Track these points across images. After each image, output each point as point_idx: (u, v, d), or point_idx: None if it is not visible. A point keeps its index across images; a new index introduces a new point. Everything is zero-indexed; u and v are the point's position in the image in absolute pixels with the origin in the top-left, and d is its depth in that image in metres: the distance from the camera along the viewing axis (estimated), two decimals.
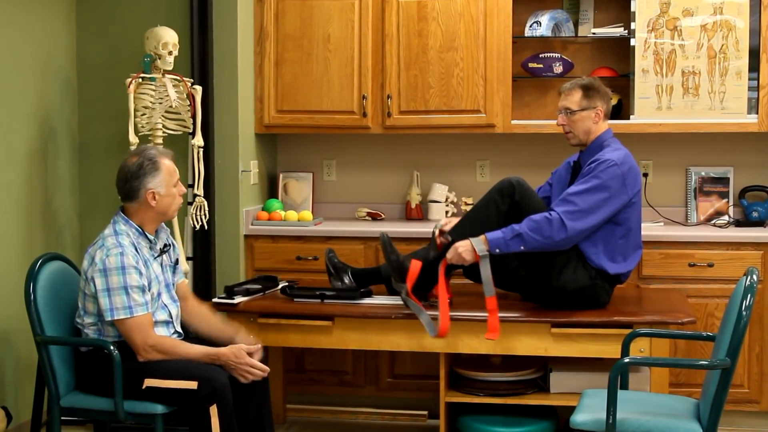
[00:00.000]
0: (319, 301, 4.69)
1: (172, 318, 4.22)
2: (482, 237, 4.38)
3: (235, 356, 4.06)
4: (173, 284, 4.30)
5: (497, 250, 4.35)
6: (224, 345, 4.15)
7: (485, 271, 4.34)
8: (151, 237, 4.17)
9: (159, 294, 4.16)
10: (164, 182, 4.11)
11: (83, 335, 4.14)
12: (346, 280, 4.78)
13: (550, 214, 4.35)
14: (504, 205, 4.45)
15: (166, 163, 4.13)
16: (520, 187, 4.48)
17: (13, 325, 4.84)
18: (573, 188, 4.42)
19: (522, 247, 4.34)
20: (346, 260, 5.36)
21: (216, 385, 3.93)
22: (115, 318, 3.98)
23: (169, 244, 4.31)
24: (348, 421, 5.48)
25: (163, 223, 4.26)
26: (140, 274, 4.03)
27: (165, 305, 4.19)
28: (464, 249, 4.38)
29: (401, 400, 5.49)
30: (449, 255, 4.40)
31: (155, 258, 4.18)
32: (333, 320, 4.62)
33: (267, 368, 4.13)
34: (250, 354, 4.11)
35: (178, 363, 4.02)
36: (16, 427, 4.87)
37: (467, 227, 4.46)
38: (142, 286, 4.02)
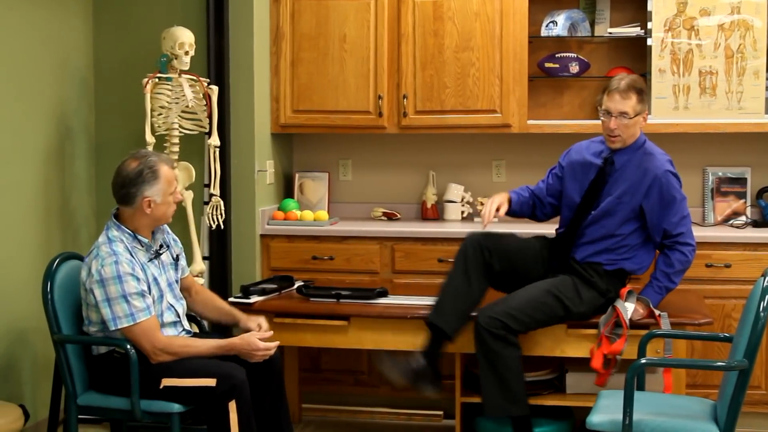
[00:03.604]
0: (334, 300, 4.69)
1: (179, 317, 4.24)
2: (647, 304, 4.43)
3: (248, 344, 4.09)
4: (177, 281, 4.29)
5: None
6: (232, 327, 4.33)
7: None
8: (146, 241, 4.14)
9: (161, 296, 4.15)
10: (162, 191, 4.08)
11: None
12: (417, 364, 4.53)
13: (683, 253, 4.48)
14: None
15: (166, 172, 4.10)
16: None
17: (30, 323, 4.86)
18: (671, 218, 4.47)
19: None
20: (361, 260, 5.39)
21: (235, 381, 3.94)
22: (119, 327, 3.98)
23: (166, 244, 4.27)
24: (363, 421, 5.48)
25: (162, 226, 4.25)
26: (137, 279, 4.00)
27: (171, 305, 4.20)
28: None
29: (417, 400, 5.47)
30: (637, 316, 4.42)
31: (151, 260, 4.16)
32: (348, 320, 4.64)
33: (275, 344, 4.15)
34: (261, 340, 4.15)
35: (195, 361, 4.03)
36: (34, 426, 4.89)
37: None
38: (141, 292, 4.00)
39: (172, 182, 4.13)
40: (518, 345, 4.31)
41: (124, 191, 4.06)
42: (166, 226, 4.29)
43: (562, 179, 4.69)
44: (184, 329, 4.25)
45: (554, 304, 4.38)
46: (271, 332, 4.21)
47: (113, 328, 3.98)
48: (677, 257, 4.49)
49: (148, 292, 4.06)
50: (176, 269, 4.31)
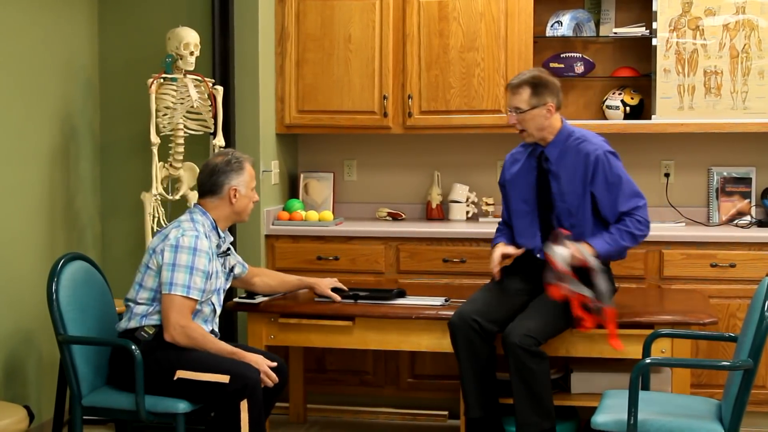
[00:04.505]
0: (352, 301, 4.68)
1: (214, 316, 4.30)
2: (588, 249, 4.34)
3: (257, 364, 4.10)
4: (224, 290, 4.38)
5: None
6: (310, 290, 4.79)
7: (602, 282, 4.28)
8: (222, 234, 4.28)
9: (214, 290, 4.24)
10: (246, 183, 4.26)
11: (127, 312, 4.20)
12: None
13: (638, 220, 4.41)
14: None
15: (249, 167, 4.29)
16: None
17: (35, 324, 4.87)
18: (622, 197, 4.41)
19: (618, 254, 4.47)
20: (366, 260, 5.40)
21: (248, 381, 3.98)
22: (171, 292, 4.05)
23: (230, 251, 4.42)
24: (368, 421, 5.48)
25: (227, 230, 4.36)
26: (209, 260, 4.14)
27: (212, 302, 4.27)
28: (584, 256, 4.32)
29: (421, 400, 5.48)
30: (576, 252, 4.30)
31: (218, 256, 4.27)
32: (353, 320, 4.63)
33: (276, 378, 4.16)
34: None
35: (210, 357, 4.06)
36: (38, 427, 4.90)
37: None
38: (207, 272, 4.12)
39: (253, 179, 4.34)
40: (547, 357, 4.28)
41: (213, 179, 4.24)
42: (231, 237, 4.44)
43: (508, 197, 4.67)
44: (213, 330, 4.31)
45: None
46: (276, 363, 4.22)
47: (166, 292, 4.07)
48: (631, 220, 4.40)
49: (211, 277, 4.17)
50: (227, 279, 4.42)
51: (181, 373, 4.03)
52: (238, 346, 4.25)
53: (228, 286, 4.46)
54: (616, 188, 4.42)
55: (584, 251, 4.29)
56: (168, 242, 4.12)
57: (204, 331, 4.15)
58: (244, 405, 3.97)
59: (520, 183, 4.60)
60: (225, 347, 4.13)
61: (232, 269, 4.48)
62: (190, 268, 4.08)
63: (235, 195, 4.23)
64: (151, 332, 4.11)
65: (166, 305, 4.08)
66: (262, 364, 4.11)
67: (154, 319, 4.14)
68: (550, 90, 4.47)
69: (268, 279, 4.74)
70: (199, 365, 4.03)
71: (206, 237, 4.17)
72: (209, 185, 4.25)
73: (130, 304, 4.21)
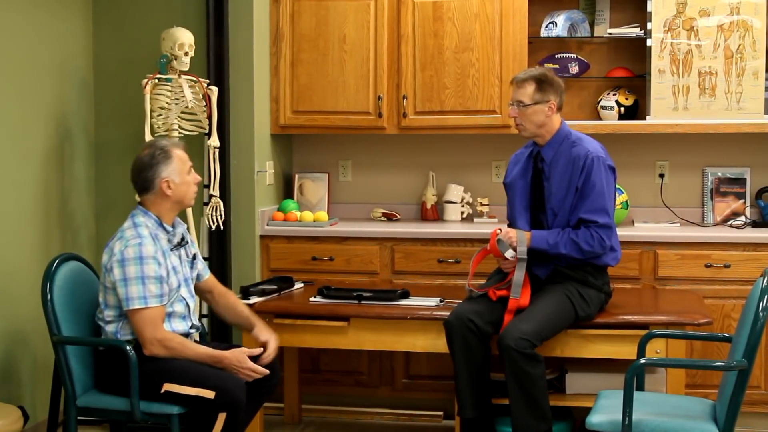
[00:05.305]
0: (356, 302, 4.67)
1: (189, 311, 4.25)
2: (527, 238, 4.40)
3: (237, 360, 4.09)
4: (192, 279, 4.32)
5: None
6: (247, 331, 4.43)
7: (519, 274, 4.35)
8: (169, 228, 4.20)
9: (179, 286, 4.18)
10: (177, 170, 4.15)
11: (102, 332, 4.16)
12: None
13: (592, 236, 4.37)
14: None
15: (177, 152, 4.18)
16: None
17: (29, 325, 4.86)
18: (588, 205, 4.39)
19: (556, 256, 4.43)
20: (361, 261, 5.40)
21: (232, 398, 3.96)
22: (130, 307, 4.00)
23: (186, 240, 4.33)
24: (363, 422, 5.47)
25: (178, 218, 4.29)
26: (159, 264, 4.05)
27: (183, 298, 4.22)
28: (513, 238, 4.41)
29: (416, 400, 5.48)
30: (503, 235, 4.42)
31: (172, 250, 4.20)
32: (348, 321, 4.63)
33: (266, 371, 4.15)
34: (251, 357, 4.15)
35: (198, 369, 4.03)
36: (33, 427, 4.89)
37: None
38: (159, 277, 4.04)
39: (186, 162, 4.21)
40: (542, 360, 4.28)
41: (143, 176, 4.14)
42: (185, 225, 4.36)
43: (510, 197, 4.69)
44: (193, 324, 4.27)
45: (570, 310, 4.38)
46: (261, 350, 4.22)
47: (126, 308, 4.02)
48: (585, 232, 4.39)
49: (167, 279, 4.09)
50: (192, 267, 4.34)
51: (168, 386, 4.00)
52: (215, 346, 4.23)
53: (194, 275, 4.37)
54: (587, 193, 4.41)
55: (520, 238, 4.40)
56: (114, 258, 4.04)
57: (181, 339, 4.11)
58: (221, 416, 3.95)
59: (519, 183, 4.61)
60: (204, 351, 4.09)
61: (194, 257, 4.37)
62: (141, 278, 4.00)
63: (168, 186, 4.13)
64: (131, 347, 4.06)
65: (135, 322, 4.03)
66: (243, 360, 4.09)
67: (127, 333, 4.10)
68: (555, 89, 4.49)
69: (223, 300, 4.47)
70: (186, 378, 4.00)
71: (152, 238, 4.09)
72: (141, 183, 4.16)
73: (100, 323, 4.17)
